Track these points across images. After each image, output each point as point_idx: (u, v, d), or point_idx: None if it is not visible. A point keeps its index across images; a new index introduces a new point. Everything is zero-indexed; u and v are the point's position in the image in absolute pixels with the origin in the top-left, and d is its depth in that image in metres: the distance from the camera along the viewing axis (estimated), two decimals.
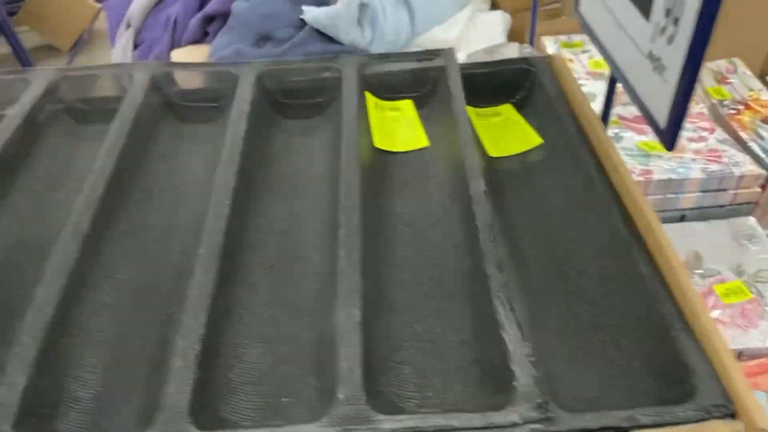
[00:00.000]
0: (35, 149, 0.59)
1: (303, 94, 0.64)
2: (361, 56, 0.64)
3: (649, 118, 0.52)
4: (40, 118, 0.61)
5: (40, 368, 0.39)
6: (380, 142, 0.58)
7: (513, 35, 1.18)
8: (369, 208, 0.50)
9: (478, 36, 1.13)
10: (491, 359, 0.40)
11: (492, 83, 0.63)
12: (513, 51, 1.07)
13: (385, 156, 0.58)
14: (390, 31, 1.09)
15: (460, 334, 0.43)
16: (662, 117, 0.50)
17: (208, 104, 0.64)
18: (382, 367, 0.41)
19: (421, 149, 0.59)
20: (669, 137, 0.50)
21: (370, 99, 0.62)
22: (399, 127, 0.61)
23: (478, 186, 0.48)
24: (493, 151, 0.58)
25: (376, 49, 1.08)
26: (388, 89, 0.64)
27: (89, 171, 0.52)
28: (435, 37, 1.14)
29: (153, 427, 0.36)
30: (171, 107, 0.64)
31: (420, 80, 0.63)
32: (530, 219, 0.52)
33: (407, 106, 0.63)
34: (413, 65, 0.63)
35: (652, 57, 0.50)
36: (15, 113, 0.59)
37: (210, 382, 0.40)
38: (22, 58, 1.91)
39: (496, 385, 0.39)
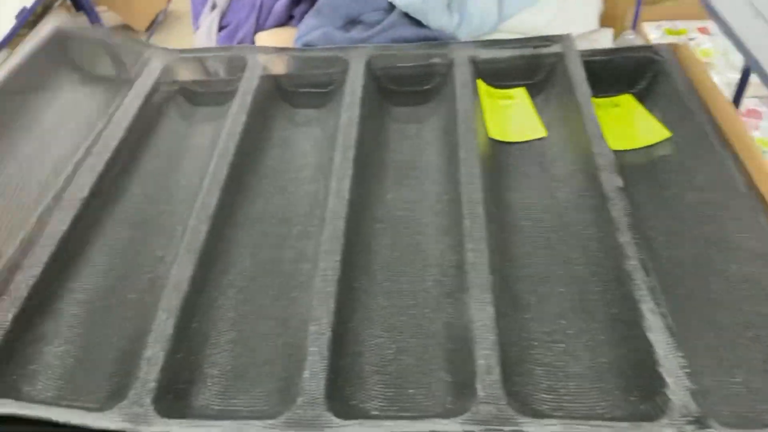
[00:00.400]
0: (156, 129, 0.60)
1: (412, 80, 0.62)
2: (471, 42, 0.62)
3: None
4: (157, 98, 0.62)
5: (176, 345, 0.40)
6: (494, 132, 0.57)
7: (604, 20, 1.12)
8: (490, 201, 0.49)
9: (569, 22, 1.08)
10: (634, 365, 0.38)
11: (612, 72, 0.60)
12: (607, 38, 1.02)
13: (499, 146, 0.56)
14: (477, 14, 1.06)
15: (593, 335, 0.41)
16: None
17: (319, 90, 0.63)
18: (514, 367, 0.40)
19: (538, 140, 0.56)
20: None
21: (482, 87, 0.60)
22: (513, 116, 0.59)
23: (613, 181, 0.46)
24: (614, 144, 0.55)
25: (463, 33, 1.05)
26: (500, 77, 0.62)
27: (209, 153, 0.53)
28: (523, 22, 1.09)
29: (291, 410, 0.36)
30: (283, 92, 0.64)
31: (534, 67, 0.61)
32: (661, 219, 0.49)
33: (521, 94, 0.61)
34: (527, 51, 0.61)
35: None
36: (137, 93, 0.59)
37: (340, 370, 0.40)
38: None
39: (641, 393, 0.37)
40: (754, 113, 0.88)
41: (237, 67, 0.64)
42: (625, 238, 0.42)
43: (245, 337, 0.44)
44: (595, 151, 0.48)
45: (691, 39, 1.00)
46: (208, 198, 0.48)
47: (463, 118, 0.53)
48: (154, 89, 0.60)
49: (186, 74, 0.63)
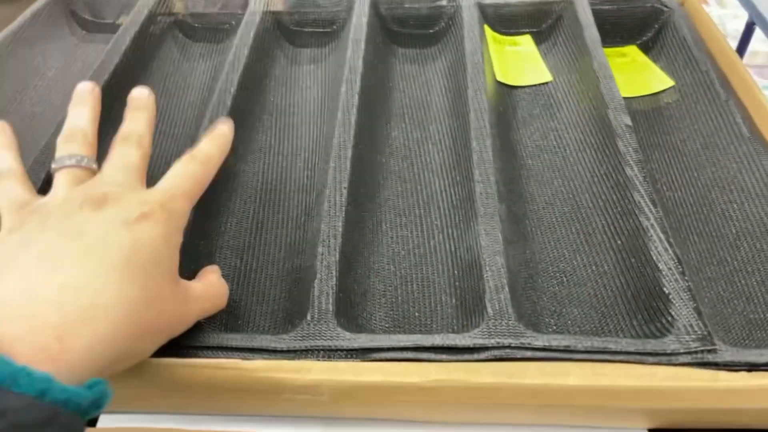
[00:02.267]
0: (152, 63, 0.59)
1: (417, 22, 0.62)
2: None
3: None
4: (154, 29, 0.61)
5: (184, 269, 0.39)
6: (502, 76, 0.57)
7: None
8: (498, 138, 0.49)
9: None
10: (639, 291, 0.39)
11: (619, 22, 0.60)
12: None
13: (507, 89, 0.56)
14: None
15: (601, 266, 0.42)
16: None
17: (323, 30, 0.62)
18: (521, 292, 0.40)
19: (544, 84, 0.56)
20: None
21: (489, 32, 0.60)
22: (519, 61, 0.59)
23: (621, 119, 0.46)
24: (621, 91, 0.56)
25: None
26: (507, 23, 0.62)
27: (209, 89, 0.52)
28: None
29: (302, 324, 0.36)
30: (285, 30, 0.63)
31: (543, 15, 0.61)
32: (664, 162, 0.49)
33: (527, 41, 0.61)
34: None
35: None
36: (132, 22, 0.58)
37: (347, 290, 0.40)
38: None
39: (646, 315, 0.38)
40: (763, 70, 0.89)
41: (237, 3, 0.62)
42: (632, 171, 0.42)
43: (252, 262, 0.44)
44: (604, 91, 0.49)
45: None
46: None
47: (470, 58, 0.53)
48: (149, 21, 0.59)
49: (182, 6, 0.62)
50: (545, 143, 0.51)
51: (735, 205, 0.45)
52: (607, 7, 0.60)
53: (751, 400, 0.33)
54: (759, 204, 0.44)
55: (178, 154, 0.38)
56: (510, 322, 0.35)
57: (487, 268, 0.38)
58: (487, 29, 0.60)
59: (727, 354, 0.34)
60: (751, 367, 0.33)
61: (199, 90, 0.57)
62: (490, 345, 0.34)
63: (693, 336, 0.34)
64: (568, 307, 0.40)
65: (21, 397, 0.23)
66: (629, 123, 0.46)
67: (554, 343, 0.34)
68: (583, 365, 0.33)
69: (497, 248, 0.39)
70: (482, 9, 0.60)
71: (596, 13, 0.59)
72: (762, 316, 0.39)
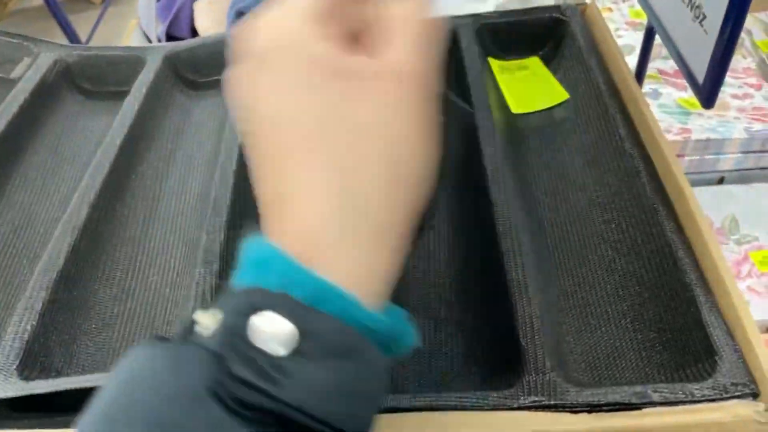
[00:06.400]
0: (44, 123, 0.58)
1: None
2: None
3: (686, 73, 0.48)
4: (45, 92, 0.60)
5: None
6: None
7: None
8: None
9: None
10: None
11: (518, 34, 0.59)
12: None
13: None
14: None
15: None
16: (701, 71, 0.46)
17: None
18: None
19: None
20: (707, 94, 0.46)
21: (494, 63, 0.58)
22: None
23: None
24: (516, 107, 0.55)
25: None
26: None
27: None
28: None
29: None
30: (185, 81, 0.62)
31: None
32: (549, 179, 0.49)
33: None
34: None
35: (692, 4, 0.46)
36: (21, 89, 0.57)
37: None
38: (55, 10, 1.91)
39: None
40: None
41: (136, 67, 0.61)
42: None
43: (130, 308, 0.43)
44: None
45: (626, 0, 0.99)
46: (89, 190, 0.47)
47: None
48: (42, 84, 0.58)
49: (79, 71, 0.61)
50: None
51: (613, 226, 0.44)
52: (505, 19, 0.59)
53: None
54: (636, 224, 0.43)
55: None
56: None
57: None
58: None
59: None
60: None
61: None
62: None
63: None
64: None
65: (328, 320, 0.19)
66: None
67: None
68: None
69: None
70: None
71: (494, 26, 0.59)
72: (624, 344, 0.39)
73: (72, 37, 1.93)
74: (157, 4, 1.17)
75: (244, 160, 0.32)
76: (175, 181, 0.52)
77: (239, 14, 1.03)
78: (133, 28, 1.21)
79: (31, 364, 0.37)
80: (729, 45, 0.43)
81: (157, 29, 1.10)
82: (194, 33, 1.08)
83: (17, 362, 0.36)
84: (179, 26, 1.11)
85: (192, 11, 1.09)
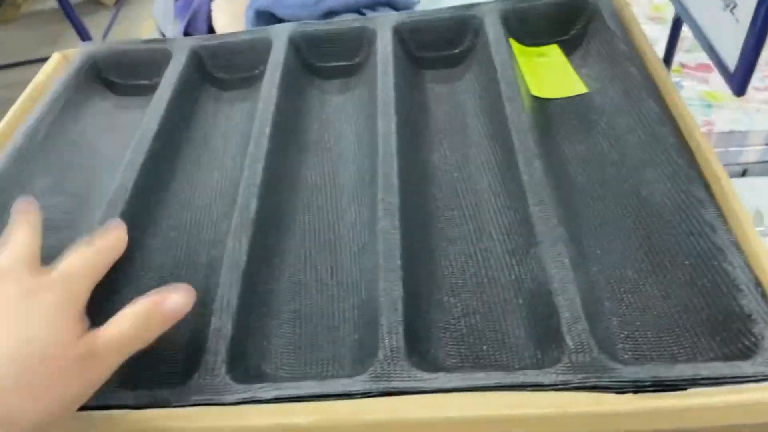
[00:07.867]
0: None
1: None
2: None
3: (717, 61, 0.48)
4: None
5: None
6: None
7: None
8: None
9: None
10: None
11: (542, 18, 0.58)
12: None
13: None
14: None
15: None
16: (732, 59, 0.46)
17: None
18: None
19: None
20: (739, 82, 0.46)
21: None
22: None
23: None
24: (537, 91, 0.55)
25: None
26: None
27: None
28: None
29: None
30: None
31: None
32: (584, 167, 0.48)
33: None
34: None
35: None
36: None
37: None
38: (69, 11, 1.93)
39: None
40: (704, 67, 0.87)
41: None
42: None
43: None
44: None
45: None
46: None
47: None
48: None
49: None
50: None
51: (654, 217, 0.43)
52: (527, 3, 0.59)
53: None
54: (675, 212, 0.42)
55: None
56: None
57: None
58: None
59: None
60: None
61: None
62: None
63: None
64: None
65: None
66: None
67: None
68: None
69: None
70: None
71: (517, 11, 0.58)
72: (666, 325, 0.38)
73: (85, 38, 1.95)
74: (176, 4, 1.18)
75: None
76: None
77: (258, 13, 1.04)
78: (150, 28, 1.22)
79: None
80: (762, 31, 0.43)
81: (175, 28, 1.11)
82: (211, 32, 1.09)
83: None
84: (197, 25, 1.12)
85: (210, 10, 1.09)
